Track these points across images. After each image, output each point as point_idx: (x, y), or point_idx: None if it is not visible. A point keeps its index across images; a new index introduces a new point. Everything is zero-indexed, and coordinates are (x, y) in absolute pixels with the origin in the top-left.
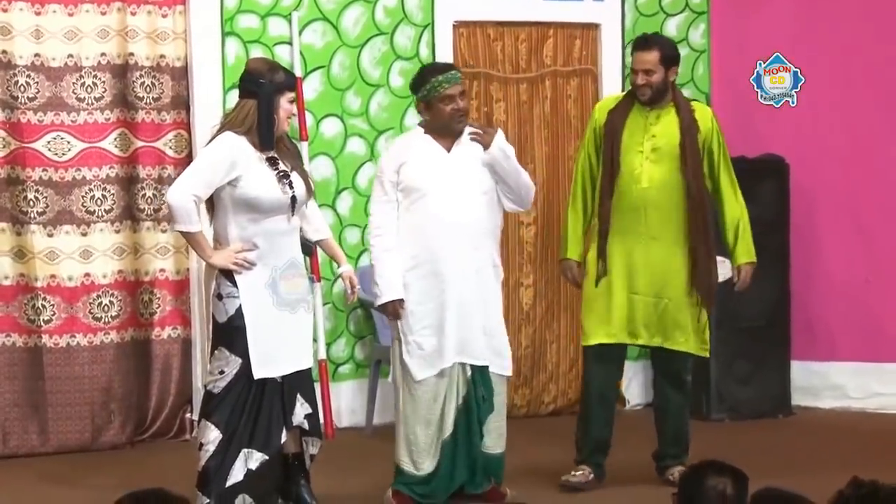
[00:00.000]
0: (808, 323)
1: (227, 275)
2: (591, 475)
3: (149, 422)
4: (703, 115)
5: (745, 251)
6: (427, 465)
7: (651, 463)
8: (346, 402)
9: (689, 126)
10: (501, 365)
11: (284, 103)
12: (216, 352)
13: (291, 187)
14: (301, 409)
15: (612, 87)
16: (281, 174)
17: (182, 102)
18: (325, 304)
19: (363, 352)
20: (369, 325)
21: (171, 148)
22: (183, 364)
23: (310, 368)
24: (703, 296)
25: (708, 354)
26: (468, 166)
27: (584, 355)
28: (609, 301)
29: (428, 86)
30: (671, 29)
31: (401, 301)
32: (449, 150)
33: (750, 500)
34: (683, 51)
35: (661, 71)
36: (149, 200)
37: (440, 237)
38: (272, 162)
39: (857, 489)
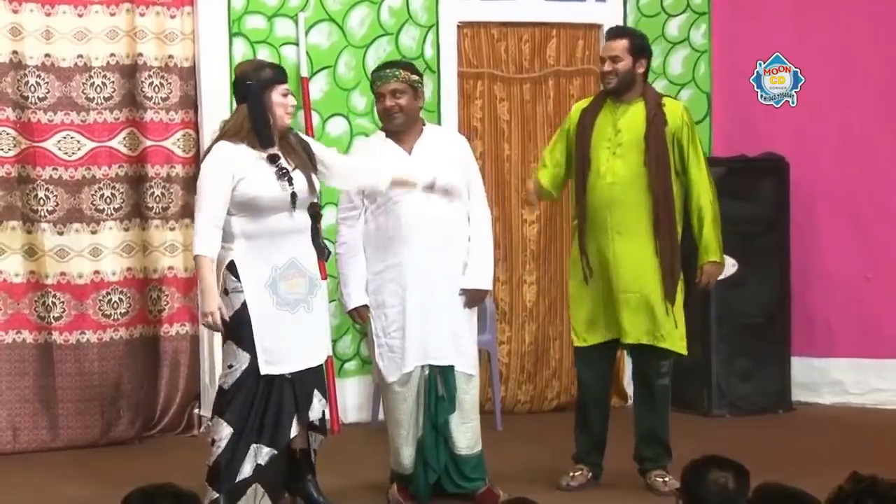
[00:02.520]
0: (808, 319)
1: (232, 270)
2: (590, 475)
3: (157, 418)
4: (674, 109)
5: (711, 250)
6: (406, 464)
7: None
8: (351, 398)
9: (654, 118)
10: (466, 364)
11: (277, 97)
12: (225, 346)
13: (291, 184)
14: (318, 405)
15: None
16: (281, 171)
17: (190, 102)
18: (331, 302)
19: (368, 348)
20: None
21: (179, 147)
22: (191, 360)
23: (321, 364)
24: (665, 292)
25: (686, 352)
26: (429, 166)
27: (574, 356)
28: (593, 301)
29: (371, 82)
30: (673, 29)
31: (365, 307)
32: (410, 151)
33: (751, 495)
34: (685, 51)
35: (629, 59)
36: (157, 199)
37: (407, 240)
38: (272, 159)
39: (857, 484)
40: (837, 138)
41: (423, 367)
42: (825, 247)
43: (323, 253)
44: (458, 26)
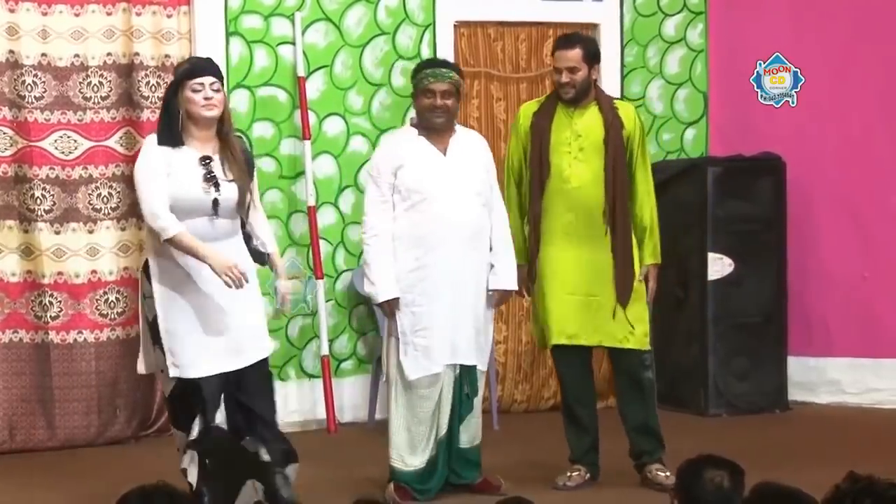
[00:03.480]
0: (805, 319)
1: (148, 275)
2: (587, 475)
3: (154, 417)
4: (627, 112)
5: (652, 252)
6: (415, 461)
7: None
8: (348, 397)
9: (612, 122)
10: (483, 361)
11: (187, 93)
12: (155, 352)
13: (217, 190)
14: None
15: (610, 87)
16: (209, 175)
17: None
18: (327, 301)
19: (365, 348)
20: (371, 321)
21: None
22: None
23: (249, 366)
24: (619, 293)
25: (648, 347)
26: (463, 168)
27: (553, 358)
28: (549, 303)
29: (417, 76)
30: (670, 29)
31: (396, 300)
32: (444, 152)
33: (748, 494)
34: (681, 51)
35: (585, 68)
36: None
37: (441, 239)
38: (205, 162)
39: (853, 483)
40: (835, 138)
41: (453, 366)
42: (822, 246)
43: (260, 258)
44: (455, 26)
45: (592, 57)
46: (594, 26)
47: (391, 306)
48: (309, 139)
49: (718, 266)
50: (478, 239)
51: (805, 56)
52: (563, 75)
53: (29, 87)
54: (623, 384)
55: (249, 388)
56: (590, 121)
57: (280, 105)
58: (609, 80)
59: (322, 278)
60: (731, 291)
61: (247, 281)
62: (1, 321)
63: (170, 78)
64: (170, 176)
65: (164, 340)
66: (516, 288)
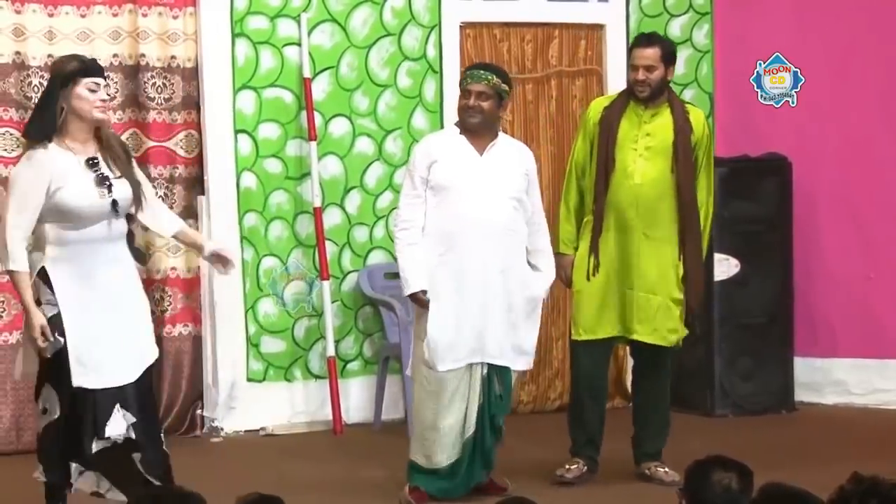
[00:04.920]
0: (811, 319)
1: (44, 278)
2: (585, 468)
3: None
4: (697, 117)
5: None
6: (441, 459)
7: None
8: (354, 398)
9: (682, 126)
10: (522, 361)
11: (79, 90)
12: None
13: (111, 191)
14: (122, 419)
15: (617, 87)
16: (100, 178)
17: (192, 103)
18: (333, 302)
19: (371, 349)
20: (377, 322)
21: (181, 147)
22: (194, 361)
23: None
24: (691, 295)
25: (681, 346)
26: (499, 171)
27: (572, 350)
28: (601, 297)
29: (461, 77)
30: (675, 29)
31: (424, 291)
32: (481, 153)
33: (755, 495)
34: (687, 51)
35: (661, 68)
36: (160, 199)
37: (466, 236)
38: (92, 164)
39: (858, 484)
40: (839, 137)
41: (480, 365)
42: (828, 246)
43: (142, 258)
44: (461, 27)
45: (669, 57)
46: (600, 27)
47: (420, 297)
48: (315, 140)
49: (724, 267)
50: (508, 240)
51: (805, 56)
52: (640, 73)
53: (35, 89)
54: (647, 379)
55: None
56: (661, 122)
57: (286, 106)
58: (615, 81)
59: (328, 279)
60: (736, 292)
61: (54, 347)
62: (8, 322)
63: (176, 79)
64: (61, 189)
65: (71, 347)
66: (544, 295)
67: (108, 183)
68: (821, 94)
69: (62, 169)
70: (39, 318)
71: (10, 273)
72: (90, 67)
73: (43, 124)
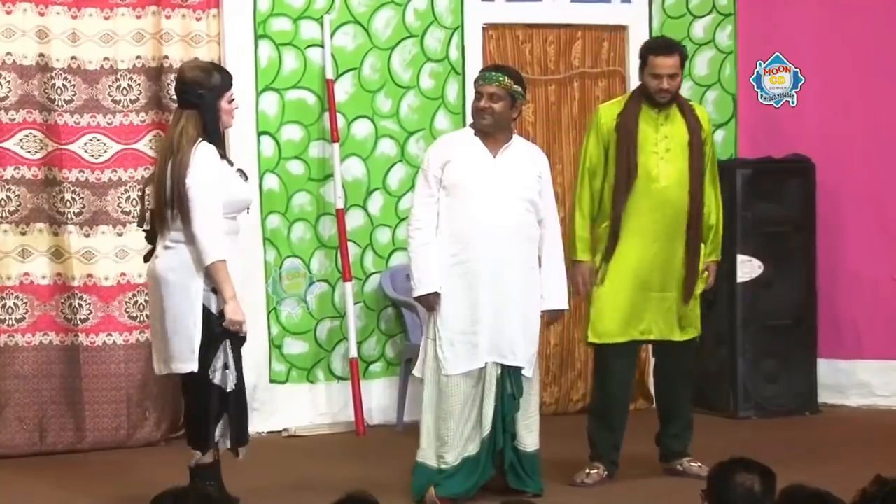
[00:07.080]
0: (835, 321)
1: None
2: (605, 473)
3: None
4: (703, 114)
5: (715, 250)
6: (450, 459)
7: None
8: (376, 399)
9: (695, 126)
10: (530, 368)
11: (224, 104)
12: (222, 345)
13: (247, 180)
14: None
15: None
16: (241, 172)
17: None
18: (356, 304)
19: (394, 350)
20: (400, 323)
21: None
22: None
23: None
24: (686, 290)
25: (700, 331)
26: (512, 173)
27: (597, 355)
28: (623, 300)
29: (476, 79)
30: (698, 30)
31: (436, 294)
32: (495, 154)
33: (777, 497)
34: (710, 52)
35: (681, 74)
36: None
37: (478, 238)
38: (230, 162)
39: (881, 487)
40: (863, 139)
41: (495, 364)
42: (852, 248)
43: None
44: (483, 28)
45: (684, 62)
46: (623, 28)
47: (430, 299)
48: (337, 142)
49: (748, 268)
50: (520, 242)
51: (806, 56)
52: (664, 82)
53: (59, 91)
54: (673, 378)
55: None
56: (675, 122)
57: (309, 108)
58: (638, 82)
59: (350, 280)
60: (760, 293)
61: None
62: (31, 324)
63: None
64: (228, 183)
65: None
66: (566, 307)
67: (245, 176)
68: (847, 94)
69: (224, 165)
70: (240, 312)
71: (215, 264)
72: (230, 79)
73: (222, 139)
